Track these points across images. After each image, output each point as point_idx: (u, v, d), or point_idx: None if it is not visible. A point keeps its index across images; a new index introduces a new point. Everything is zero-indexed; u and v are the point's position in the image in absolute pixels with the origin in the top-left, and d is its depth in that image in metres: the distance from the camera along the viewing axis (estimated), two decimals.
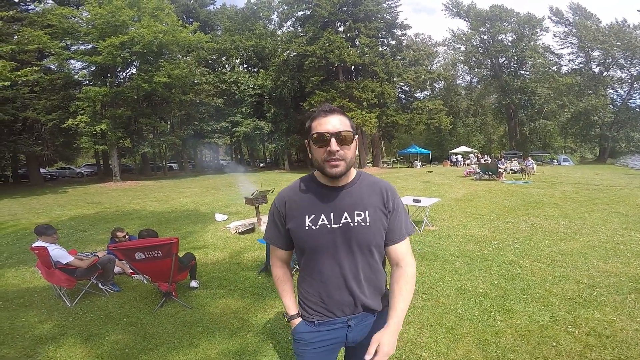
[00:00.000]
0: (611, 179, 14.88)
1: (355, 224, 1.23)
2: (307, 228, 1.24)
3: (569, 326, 2.82)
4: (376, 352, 1.13)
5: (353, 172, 1.31)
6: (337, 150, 1.16)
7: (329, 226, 1.23)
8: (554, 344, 2.59)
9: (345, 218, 1.23)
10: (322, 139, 1.17)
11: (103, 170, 29.02)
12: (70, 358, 2.74)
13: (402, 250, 1.29)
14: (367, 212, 1.24)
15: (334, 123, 1.17)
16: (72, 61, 21.54)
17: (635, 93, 33.95)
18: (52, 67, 20.88)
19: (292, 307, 1.38)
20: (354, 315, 1.29)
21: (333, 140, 1.15)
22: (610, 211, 7.49)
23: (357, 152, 1.28)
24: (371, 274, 1.28)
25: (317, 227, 1.24)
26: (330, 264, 1.25)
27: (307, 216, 1.25)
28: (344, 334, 1.31)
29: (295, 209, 1.28)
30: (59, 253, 3.75)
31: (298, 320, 1.36)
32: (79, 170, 32.54)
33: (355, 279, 1.26)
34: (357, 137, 1.24)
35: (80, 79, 22.62)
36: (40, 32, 18.01)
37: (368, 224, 1.24)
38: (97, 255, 4.24)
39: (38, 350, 2.85)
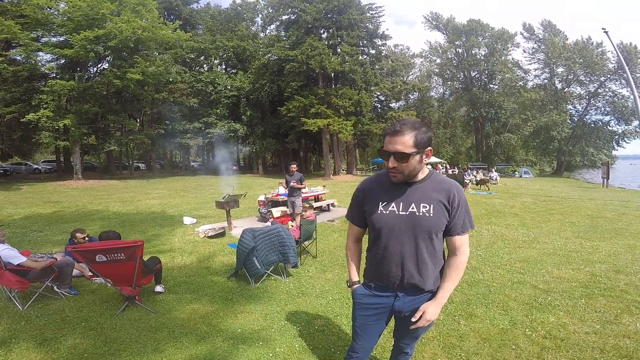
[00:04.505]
0: (566, 191, 15.97)
1: (420, 213, 1.51)
2: (379, 212, 1.56)
3: (527, 329, 2.98)
4: (421, 317, 1.51)
5: (425, 172, 1.57)
6: (395, 167, 1.46)
7: (397, 213, 1.53)
8: (514, 347, 2.72)
9: (412, 208, 1.52)
10: (385, 155, 1.47)
11: (63, 167, 27.26)
12: None
13: (460, 241, 1.56)
14: (431, 205, 1.51)
15: (395, 144, 1.43)
16: (40, 53, 20.13)
17: (592, 109, 35.92)
18: (18, 58, 19.47)
19: (354, 275, 1.76)
20: (402, 288, 1.59)
21: (391, 158, 1.45)
22: (564, 221, 8.03)
23: (426, 160, 1.51)
24: (428, 257, 1.54)
25: (388, 212, 1.54)
26: (394, 243, 1.55)
27: (380, 202, 1.57)
28: (391, 301, 1.63)
29: (372, 195, 1.61)
30: (9, 253, 3.49)
31: (357, 286, 1.73)
32: (36, 166, 30.32)
33: (411, 259, 1.54)
34: (420, 151, 1.44)
35: (47, 71, 21.21)
36: (11, 22, 16.89)
37: (431, 214, 1.50)
38: (55, 258, 3.98)
39: None
